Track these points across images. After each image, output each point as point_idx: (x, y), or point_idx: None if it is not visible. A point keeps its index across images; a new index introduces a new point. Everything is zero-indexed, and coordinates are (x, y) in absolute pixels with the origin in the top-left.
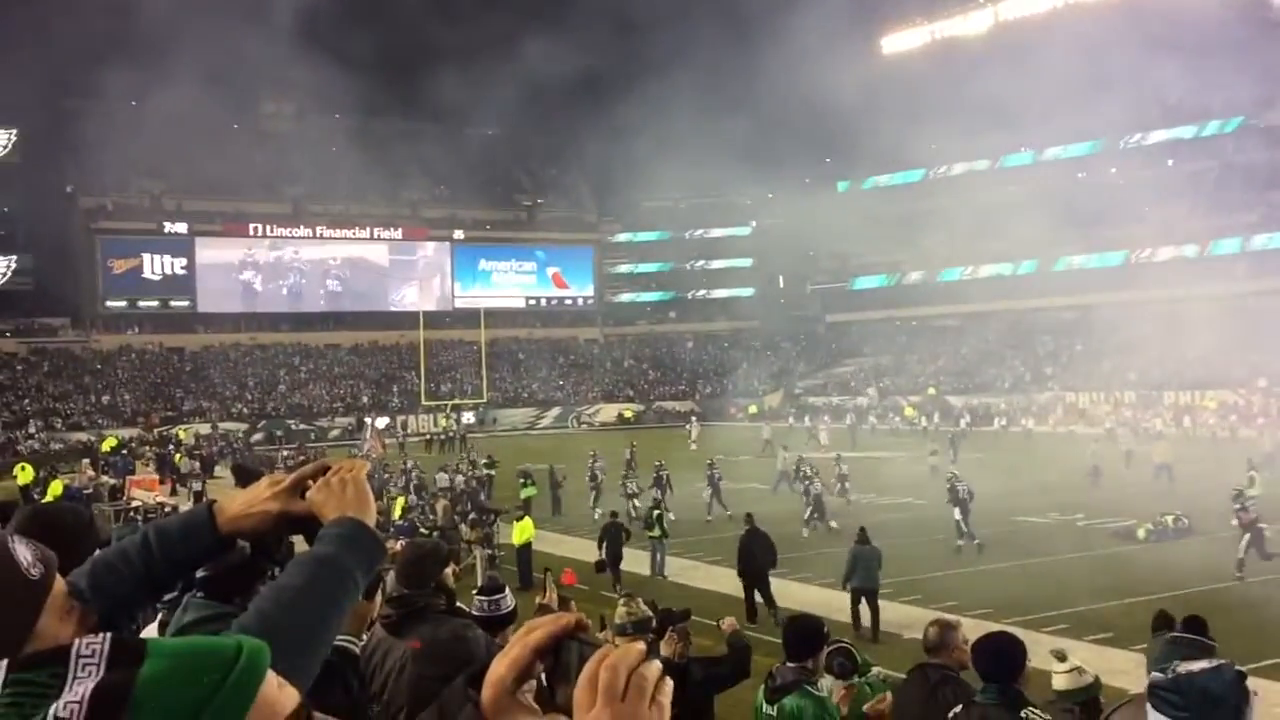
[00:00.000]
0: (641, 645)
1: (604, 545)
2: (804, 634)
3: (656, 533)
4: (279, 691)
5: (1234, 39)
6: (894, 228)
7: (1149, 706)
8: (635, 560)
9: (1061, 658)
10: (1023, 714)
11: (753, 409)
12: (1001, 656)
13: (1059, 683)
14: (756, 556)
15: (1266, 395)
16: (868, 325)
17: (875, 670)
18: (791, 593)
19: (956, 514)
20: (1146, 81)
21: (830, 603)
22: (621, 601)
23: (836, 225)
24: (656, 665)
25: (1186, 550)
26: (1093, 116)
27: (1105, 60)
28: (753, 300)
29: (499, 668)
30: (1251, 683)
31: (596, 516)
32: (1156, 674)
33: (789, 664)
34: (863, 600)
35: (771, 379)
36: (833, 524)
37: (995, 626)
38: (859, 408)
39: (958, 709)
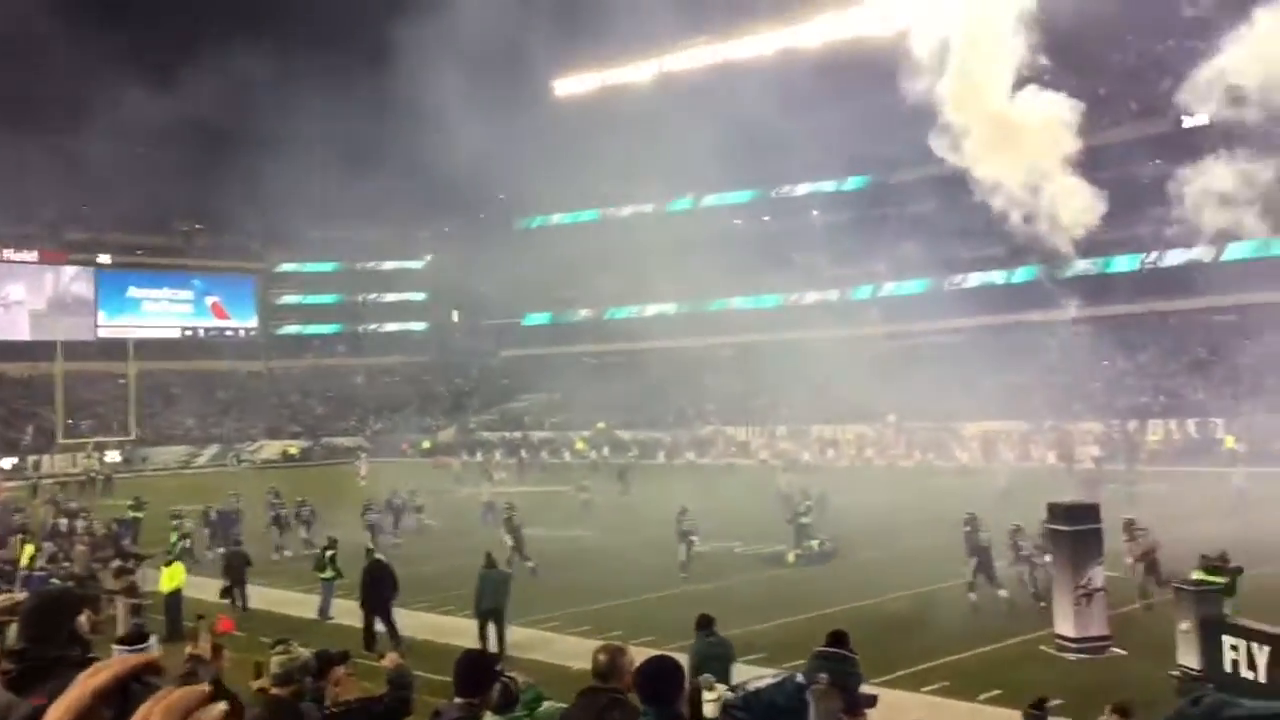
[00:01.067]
0: (205, 687)
1: (227, 572)
2: (473, 670)
3: (328, 574)
4: None
5: (872, 104)
6: (566, 266)
7: None
8: (303, 604)
9: (709, 686)
10: None
11: (426, 445)
12: (661, 680)
13: (709, 710)
14: (379, 588)
15: (897, 430)
16: (540, 361)
17: (547, 704)
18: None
19: (509, 542)
20: (795, 137)
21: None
22: (278, 648)
23: (510, 261)
24: (220, 708)
25: (832, 572)
26: (748, 167)
27: (759, 115)
28: (426, 335)
29: (55, 712)
30: (874, 689)
31: (278, 557)
32: (728, 694)
33: (457, 700)
34: (490, 623)
35: (445, 414)
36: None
37: (658, 652)
38: (531, 443)
39: None
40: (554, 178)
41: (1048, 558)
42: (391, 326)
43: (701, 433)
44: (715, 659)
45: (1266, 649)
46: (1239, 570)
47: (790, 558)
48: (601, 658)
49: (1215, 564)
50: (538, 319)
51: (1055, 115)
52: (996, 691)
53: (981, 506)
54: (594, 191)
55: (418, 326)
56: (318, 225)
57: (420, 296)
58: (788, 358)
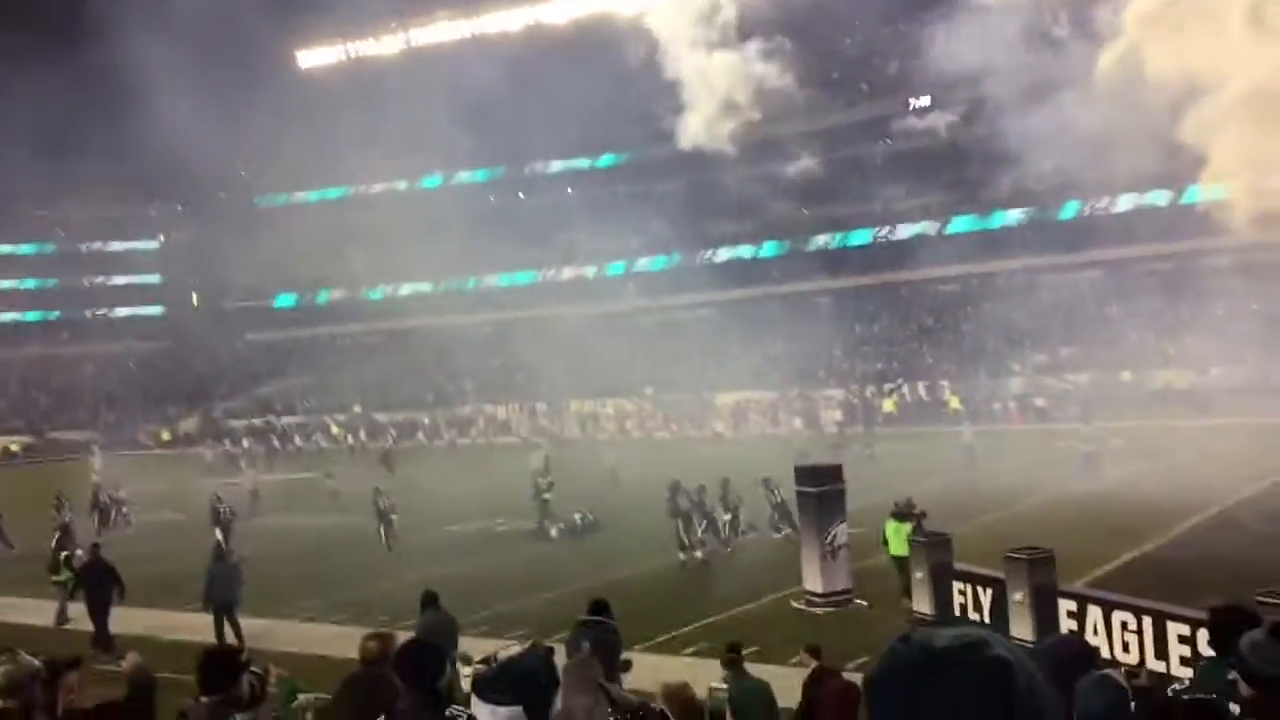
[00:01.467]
0: None
1: None
2: (218, 666)
3: (63, 576)
4: None
5: (621, 81)
6: (315, 245)
7: (474, 698)
8: (34, 610)
9: (468, 661)
10: (447, 712)
11: (166, 435)
12: (420, 660)
13: (467, 685)
14: (100, 586)
15: (654, 402)
16: (291, 344)
17: (302, 697)
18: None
19: (218, 534)
20: (546, 114)
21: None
22: (1, 658)
23: (254, 241)
24: None
25: (594, 543)
26: (500, 144)
27: (509, 91)
28: (163, 319)
29: None
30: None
31: None
32: (479, 666)
33: (203, 699)
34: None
35: (186, 401)
36: (78, 551)
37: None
38: (282, 429)
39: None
40: (299, 153)
41: (726, 515)
42: (123, 311)
43: (461, 412)
44: (441, 635)
45: (990, 591)
46: (923, 514)
47: (553, 533)
48: (372, 644)
49: (903, 511)
50: (289, 300)
51: (761, 72)
52: (754, 649)
53: (732, 471)
54: (342, 168)
55: (153, 311)
56: (33, 204)
57: (154, 279)
58: (545, 334)
